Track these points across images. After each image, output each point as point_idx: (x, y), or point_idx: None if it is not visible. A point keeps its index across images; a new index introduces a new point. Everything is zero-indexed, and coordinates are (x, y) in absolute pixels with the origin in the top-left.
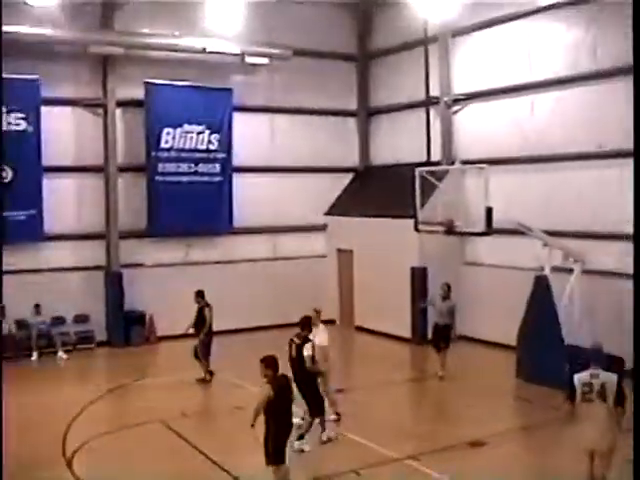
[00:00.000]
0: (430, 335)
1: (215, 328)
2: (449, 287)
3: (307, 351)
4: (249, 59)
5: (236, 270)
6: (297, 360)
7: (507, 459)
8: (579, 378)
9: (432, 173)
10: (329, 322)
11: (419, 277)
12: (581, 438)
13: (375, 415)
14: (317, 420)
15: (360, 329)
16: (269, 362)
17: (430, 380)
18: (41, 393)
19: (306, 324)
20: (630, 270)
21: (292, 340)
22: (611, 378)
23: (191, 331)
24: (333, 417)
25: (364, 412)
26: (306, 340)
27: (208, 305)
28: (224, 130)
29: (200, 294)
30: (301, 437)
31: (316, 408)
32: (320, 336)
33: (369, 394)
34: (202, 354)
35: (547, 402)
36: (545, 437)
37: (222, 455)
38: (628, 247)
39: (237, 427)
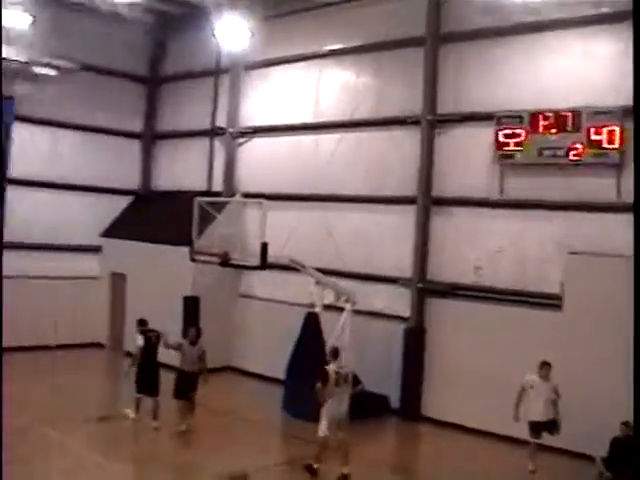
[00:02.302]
0: (174, 383)
1: None
2: (199, 331)
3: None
4: (36, 69)
5: (5, 287)
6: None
7: None
8: (332, 368)
9: (212, 204)
10: (97, 345)
11: (191, 306)
12: (330, 411)
13: (141, 445)
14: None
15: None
16: None
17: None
18: None
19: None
20: (399, 313)
21: (150, 333)
22: (351, 369)
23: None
24: None
25: (130, 440)
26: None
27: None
28: (1, 140)
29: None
30: None
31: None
32: None
33: (136, 422)
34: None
35: (312, 437)
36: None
37: None
38: (396, 290)
39: None
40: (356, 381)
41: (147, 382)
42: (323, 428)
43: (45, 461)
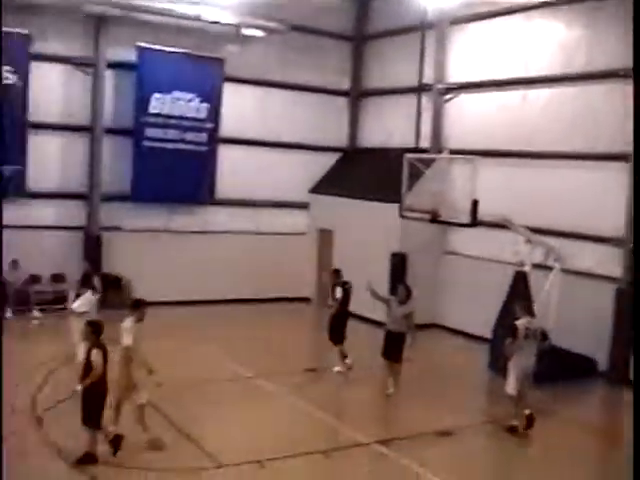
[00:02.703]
0: (383, 342)
1: (189, 299)
2: (409, 291)
3: (338, 294)
4: (244, 30)
5: (215, 241)
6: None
7: (473, 450)
8: (522, 323)
9: (420, 160)
10: (304, 300)
11: (399, 263)
12: (518, 365)
13: (347, 397)
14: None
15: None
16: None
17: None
18: (11, 352)
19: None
20: (609, 273)
21: (345, 284)
22: (540, 325)
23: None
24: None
25: (336, 392)
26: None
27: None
28: (214, 100)
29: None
30: None
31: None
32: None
33: (341, 375)
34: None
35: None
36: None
37: None
38: (607, 250)
39: None
40: (544, 337)
41: (340, 332)
42: (511, 384)
43: (252, 407)
